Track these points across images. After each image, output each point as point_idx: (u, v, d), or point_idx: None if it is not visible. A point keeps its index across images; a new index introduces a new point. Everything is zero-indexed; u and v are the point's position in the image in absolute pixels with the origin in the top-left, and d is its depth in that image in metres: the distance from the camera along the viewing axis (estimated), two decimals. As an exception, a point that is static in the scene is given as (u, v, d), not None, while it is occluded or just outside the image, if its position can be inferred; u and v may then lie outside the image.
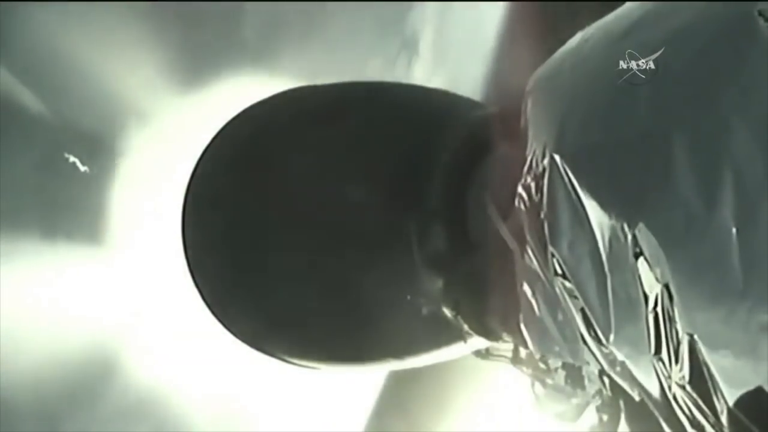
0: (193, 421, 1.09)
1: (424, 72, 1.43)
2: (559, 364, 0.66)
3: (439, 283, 0.76)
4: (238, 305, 0.90)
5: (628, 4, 0.60)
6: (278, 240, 0.83)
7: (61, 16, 0.85)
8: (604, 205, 0.53)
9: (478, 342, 0.80)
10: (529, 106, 0.65)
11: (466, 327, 0.77)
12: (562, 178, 0.55)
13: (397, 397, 1.33)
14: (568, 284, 0.57)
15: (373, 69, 1.33)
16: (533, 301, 0.63)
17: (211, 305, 0.90)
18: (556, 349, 0.63)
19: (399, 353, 0.84)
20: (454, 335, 0.79)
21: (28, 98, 0.83)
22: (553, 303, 0.60)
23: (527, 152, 0.61)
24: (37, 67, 0.83)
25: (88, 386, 0.93)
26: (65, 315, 0.89)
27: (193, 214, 0.90)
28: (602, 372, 0.61)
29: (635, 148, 0.52)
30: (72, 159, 0.84)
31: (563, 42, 0.64)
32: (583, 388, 0.63)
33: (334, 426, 1.31)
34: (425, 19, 1.40)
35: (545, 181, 0.57)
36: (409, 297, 0.78)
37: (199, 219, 0.90)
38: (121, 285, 0.94)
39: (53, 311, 0.89)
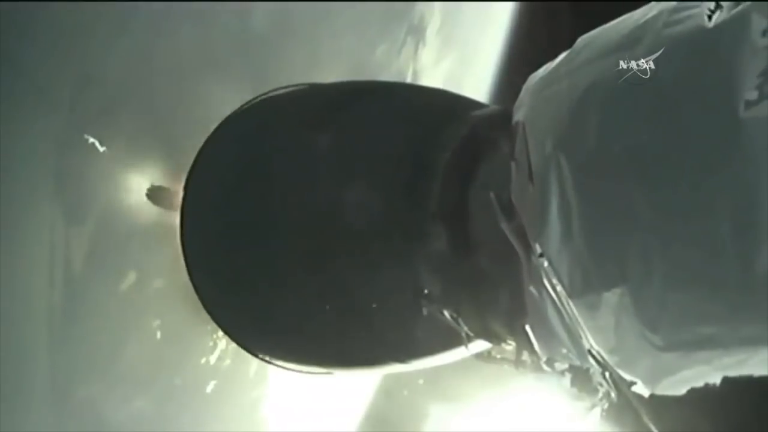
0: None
1: (431, 58, 1.43)
2: (566, 366, 0.66)
3: (440, 285, 0.75)
4: (237, 309, 0.89)
5: (622, 18, 0.62)
6: (277, 241, 0.82)
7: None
8: (592, 211, 0.55)
9: (480, 345, 0.79)
10: (527, 112, 0.65)
11: (467, 329, 0.76)
12: (558, 181, 0.57)
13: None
14: (558, 287, 0.58)
15: (380, 55, 1.32)
16: (540, 303, 0.62)
17: (210, 309, 0.89)
18: (564, 351, 0.63)
19: (401, 357, 0.83)
20: (456, 338, 0.77)
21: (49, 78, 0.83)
22: (560, 305, 0.60)
23: (526, 155, 0.62)
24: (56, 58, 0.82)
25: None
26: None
27: (191, 215, 0.89)
28: (606, 373, 0.62)
29: (625, 160, 0.54)
30: (91, 140, 0.84)
31: (569, 43, 0.65)
32: (590, 391, 0.64)
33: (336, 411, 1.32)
34: (433, 5, 1.39)
35: (540, 182, 0.59)
36: (410, 299, 0.76)
37: (196, 219, 0.89)
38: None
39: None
